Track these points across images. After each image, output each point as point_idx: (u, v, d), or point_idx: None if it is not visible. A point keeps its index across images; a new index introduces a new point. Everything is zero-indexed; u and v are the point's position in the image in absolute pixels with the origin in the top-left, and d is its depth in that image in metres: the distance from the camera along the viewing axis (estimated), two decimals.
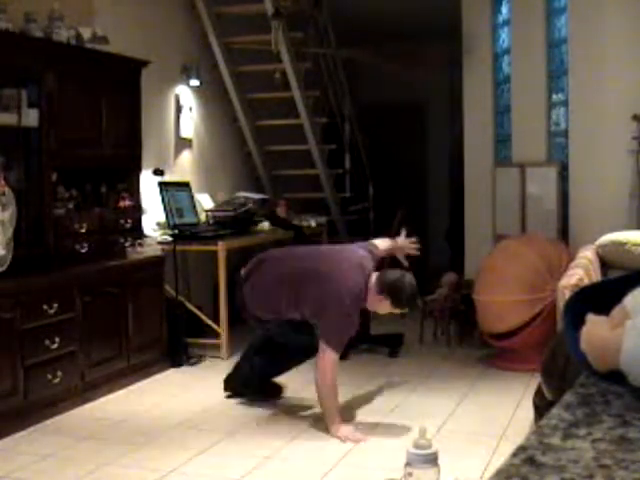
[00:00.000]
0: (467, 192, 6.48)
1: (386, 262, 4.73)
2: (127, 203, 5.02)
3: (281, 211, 6.68)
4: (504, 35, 6.27)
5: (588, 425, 0.90)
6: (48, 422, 4.06)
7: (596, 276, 4.21)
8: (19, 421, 3.91)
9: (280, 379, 4.44)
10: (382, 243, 4.39)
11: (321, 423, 3.93)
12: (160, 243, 5.51)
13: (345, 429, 3.78)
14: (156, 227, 5.66)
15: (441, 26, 6.96)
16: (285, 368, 4.38)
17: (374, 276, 3.91)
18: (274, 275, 4.00)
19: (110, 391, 4.58)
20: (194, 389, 4.75)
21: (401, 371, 5.08)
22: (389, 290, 3.86)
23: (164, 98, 6.07)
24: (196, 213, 5.86)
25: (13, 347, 3.88)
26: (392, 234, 6.08)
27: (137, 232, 5.10)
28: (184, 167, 6.35)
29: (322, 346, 3.77)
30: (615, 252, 4.57)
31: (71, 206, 4.62)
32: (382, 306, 3.93)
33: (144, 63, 5.13)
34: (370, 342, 5.62)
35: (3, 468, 3.40)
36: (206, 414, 4.24)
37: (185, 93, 6.32)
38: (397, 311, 4.02)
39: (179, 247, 5.41)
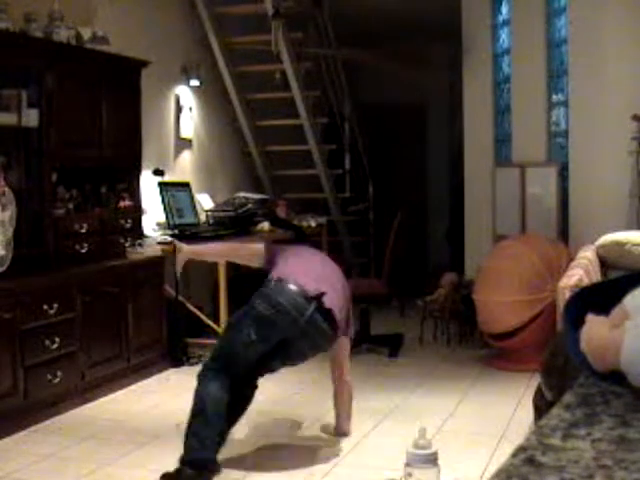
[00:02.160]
0: (467, 192, 6.48)
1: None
2: (127, 203, 5.02)
3: (281, 211, 6.68)
4: (504, 35, 6.27)
5: (588, 425, 0.90)
6: (48, 422, 4.06)
7: (596, 276, 4.21)
8: (19, 421, 3.91)
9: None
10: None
11: (321, 423, 3.92)
12: (160, 243, 5.51)
13: None
14: (156, 227, 5.66)
15: (441, 26, 6.97)
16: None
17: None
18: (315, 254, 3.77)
19: (110, 391, 4.58)
20: (194, 389, 4.74)
21: (401, 371, 5.08)
22: None
23: (164, 98, 6.08)
24: (196, 213, 5.86)
25: (13, 347, 3.87)
26: (392, 235, 6.10)
27: (137, 232, 5.10)
28: (184, 167, 6.35)
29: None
30: (615, 252, 4.57)
31: (71, 206, 4.62)
32: None
33: (144, 63, 5.13)
34: (370, 342, 5.62)
35: (3, 468, 3.40)
36: None
37: (185, 93, 6.33)
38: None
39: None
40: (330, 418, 3.88)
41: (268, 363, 3.36)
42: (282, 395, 4.58)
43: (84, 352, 4.38)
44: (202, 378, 3.33)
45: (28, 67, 4.32)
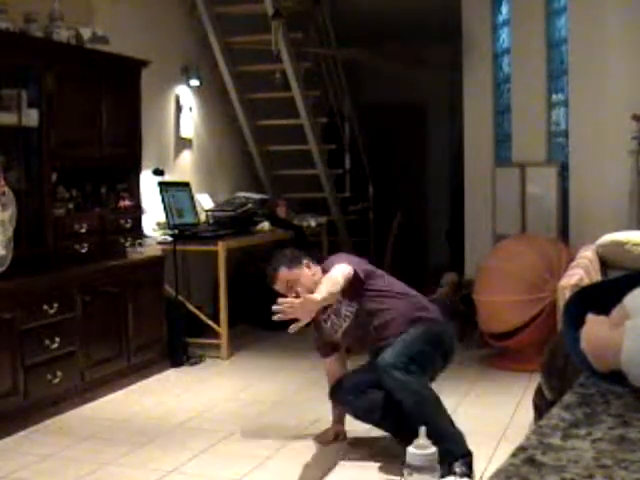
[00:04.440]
0: (467, 192, 6.48)
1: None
2: (127, 203, 5.02)
3: (281, 211, 6.68)
4: (504, 35, 6.27)
5: (588, 425, 0.90)
6: (48, 422, 4.06)
7: (596, 276, 4.21)
8: (19, 421, 3.91)
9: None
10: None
11: (321, 423, 3.92)
12: (160, 243, 5.51)
13: None
14: (156, 227, 5.66)
15: (441, 26, 6.97)
16: None
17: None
18: None
19: (110, 391, 4.58)
20: (194, 389, 4.75)
21: None
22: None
23: (164, 98, 6.08)
24: (196, 213, 5.86)
25: (13, 347, 3.87)
26: (391, 234, 6.12)
27: (137, 232, 5.10)
28: (184, 167, 6.35)
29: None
30: (615, 252, 4.56)
31: (71, 206, 4.62)
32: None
33: (144, 63, 5.13)
34: None
35: (3, 468, 3.40)
36: (206, 414, 4.24)
37: (185, 93, 6.33)
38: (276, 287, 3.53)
39: (179, 247, 5.41)
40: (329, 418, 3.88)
41: None
42: (282, 396, 4.58)
43: (84, 352, 4.38)
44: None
45: (28, 67, 4.31)
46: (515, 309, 4.87)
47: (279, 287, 3.51)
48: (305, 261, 3.54)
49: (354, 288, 3.43)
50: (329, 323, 3.59)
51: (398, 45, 7.62)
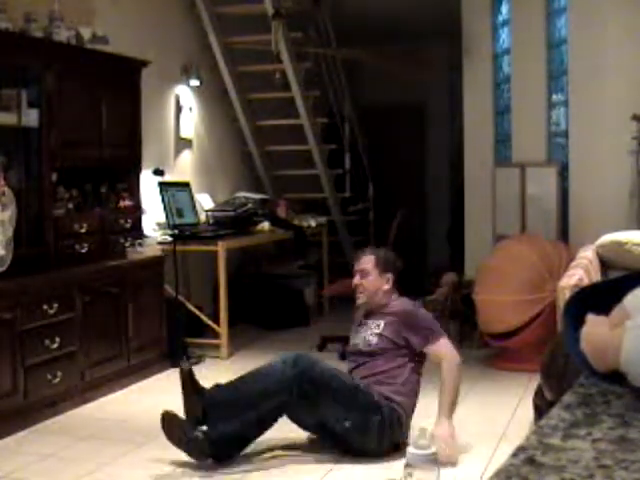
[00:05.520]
0: (467, 192, 6.48)
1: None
2: (127, 203, 5.02)
3: (281, 211, 6.68)
4: (504, 35, 6.27)
5: (588, 425, 0.90)
6: (48, 422, 4.06)
7: (596, 276, 4.21)
8: (19, 421, 3.91)
9: None
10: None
11: None
12: (160, 243, 5.51)
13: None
14: (156, 227, 5.66)
15: (441, 26, 6.97)
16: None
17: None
18: None
19: (110, 391, 4.58)
20: None
21: None
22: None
23: (164, 98, 6.07)
24: (196, 213, 5.86)
25: (13, 347, 3.88)
26: (391, 234, 6.11)
27: (137, 232, 5.10)
28: (184, 167, 6.35)
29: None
30: (615, 252, 4.56)
31: (71, 206, 4.62)
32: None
33: (144, 63, 5.13)
34: None
35: (3, 468, 3.40)
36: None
37: (185, 93, 6.32)
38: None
39: (179, 247, 5.41)
40: None
41: None
42: None
43: (84, 352, 4.38)
44: None
45: (28, 67, 4.32)
46: (515, 309, 4.87)
47: (356, 265, 3.76)
48: (389, 275, 3.72)
49: (403, 345, 3.66)
50: (360, 324, 3.77)
51: (398, 45, 7.63)
